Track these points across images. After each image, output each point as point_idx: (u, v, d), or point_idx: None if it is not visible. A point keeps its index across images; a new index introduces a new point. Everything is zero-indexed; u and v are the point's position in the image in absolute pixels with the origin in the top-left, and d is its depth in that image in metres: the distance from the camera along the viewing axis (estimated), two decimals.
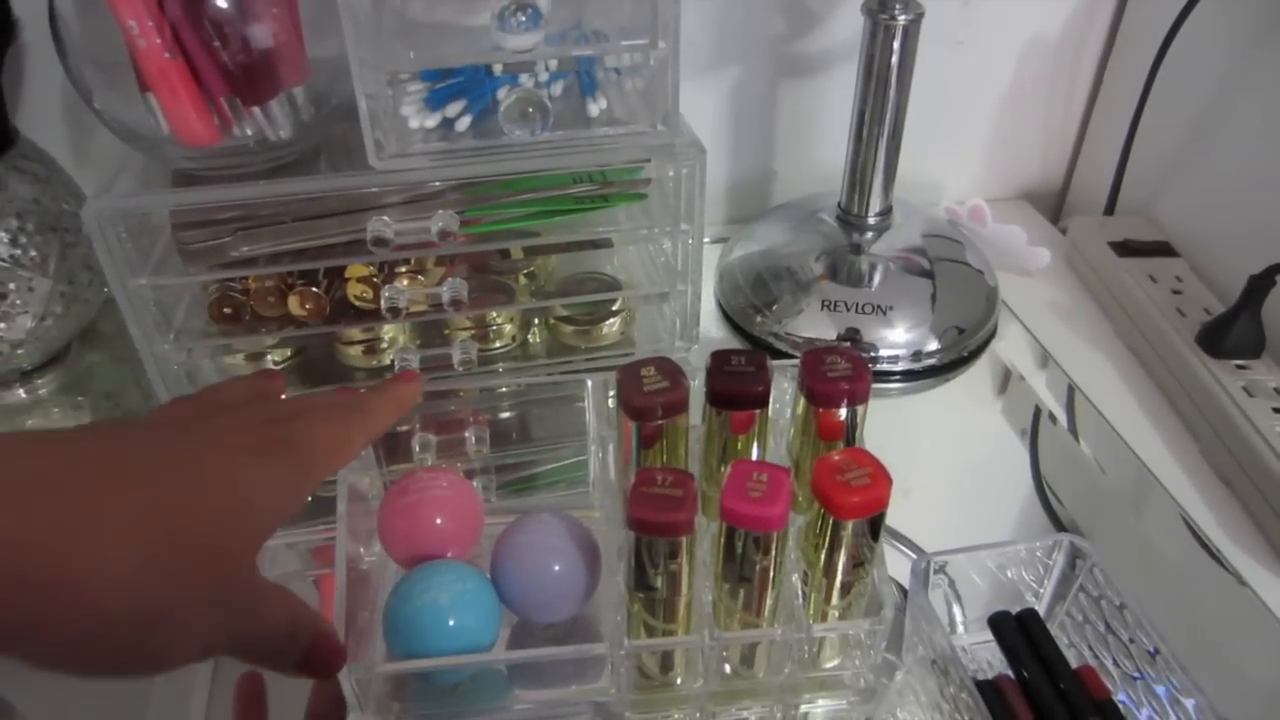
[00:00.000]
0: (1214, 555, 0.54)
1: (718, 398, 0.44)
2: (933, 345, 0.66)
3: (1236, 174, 0.68)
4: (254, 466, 0.32)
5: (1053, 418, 0.64)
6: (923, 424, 0.66)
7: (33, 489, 0.26)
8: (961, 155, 0.86)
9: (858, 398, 0.43)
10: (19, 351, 0.62)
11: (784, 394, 0.49)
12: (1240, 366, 0.60)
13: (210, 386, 0.39)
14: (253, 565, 0.32)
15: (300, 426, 0.35)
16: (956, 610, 0.48)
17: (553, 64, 0.56)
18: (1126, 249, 0.72)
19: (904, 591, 0.46)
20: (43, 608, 0.25)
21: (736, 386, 0.43)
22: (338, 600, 0.41)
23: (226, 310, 0.59)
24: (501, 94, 0.54)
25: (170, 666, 0.29)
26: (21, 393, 0.66)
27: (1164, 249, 0.72)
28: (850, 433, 0.45)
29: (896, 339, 0.66)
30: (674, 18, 0.51)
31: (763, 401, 0.44)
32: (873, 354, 0.66)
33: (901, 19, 0.61)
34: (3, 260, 0.58)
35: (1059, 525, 0.58)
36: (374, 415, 0.40)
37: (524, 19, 0.48)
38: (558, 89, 0.57)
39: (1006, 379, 0.69)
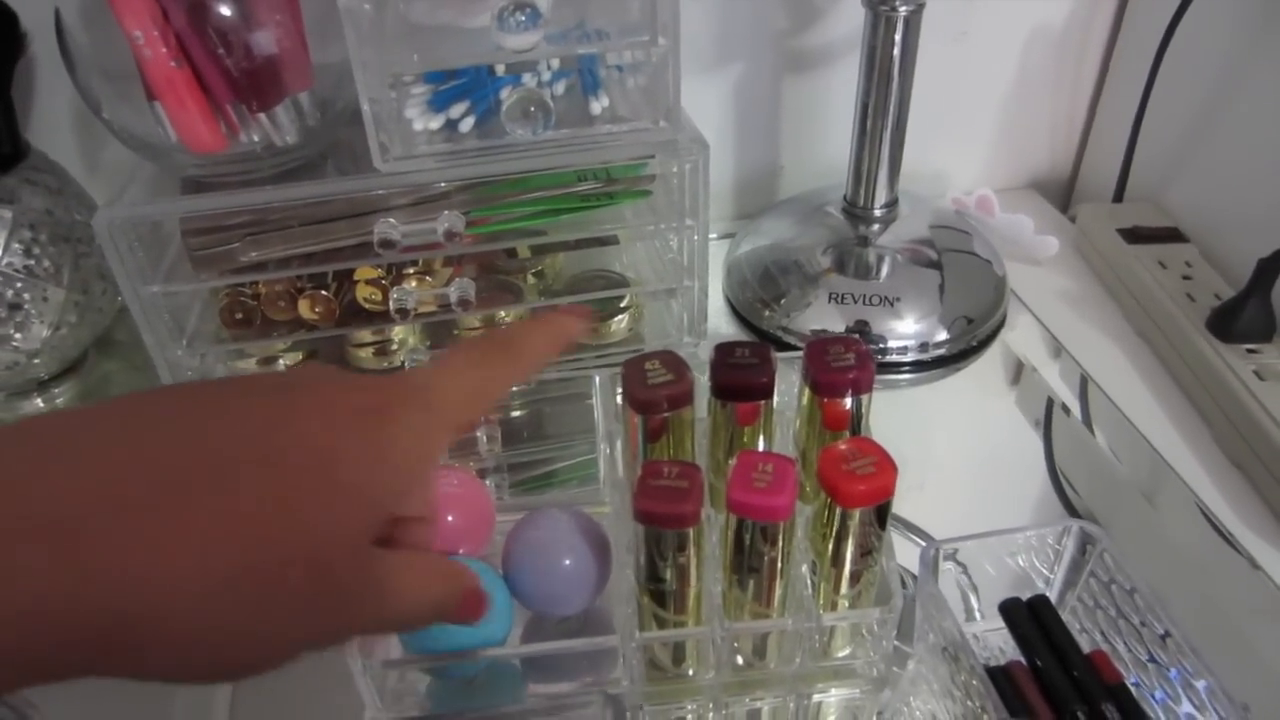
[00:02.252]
0: (1227, 540, 0.53)
1: (723, 390, 0.44)
2: (942, 336, 0.66)
3: (1244, 158, 0.68)
4: (369, 432, 0.27)
5: (1065, 409, 0.63)
6: (936, 414, 0.66)
7: (89, 509, 0.23)
8: (969, 146, 0.86)
9: (862, 387, 0.43)
10: (35, 361, 0.63)
11: (790, 385, 0.49)
12: (1251, 350, 0.59)
13: None
14: (368, 551, 0.28)
15: (426, 373, 0.30)
16: (973, 597, 0.48)
17: (555, 63, 0.57)
18: (1135, 235, 0.72)
19: (915, 579, 0.46)
20: (110, 643, 0.23)
21: (741, 378, 0.44)
22: None
23: (238, 315, 0.60)
24: (504, 94, 0.54)
25: (281, 665, 0.26)
26: (39, 402, 0.67)
27: (1173, 235, 0.71)
28: (856, 422, 0.45)
29: (905, 330, 0.66)
30: (674, 15, 0.51)
31: (767, 393, 0.44)
32: (882, 345, 0.66)
33: (902, 10, 0.61)
34: (17, 271, 0.59)
35: (1074, 514, 0.57)
36: (523, 354, 0.34)
37: (523, 19, 0.49)
38: (560, 88, 0.57)
39: (1019, 368, 0.68)
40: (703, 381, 0.46)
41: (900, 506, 0.56)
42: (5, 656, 0.21)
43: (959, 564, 0.47)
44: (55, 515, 0.22)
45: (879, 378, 0.65)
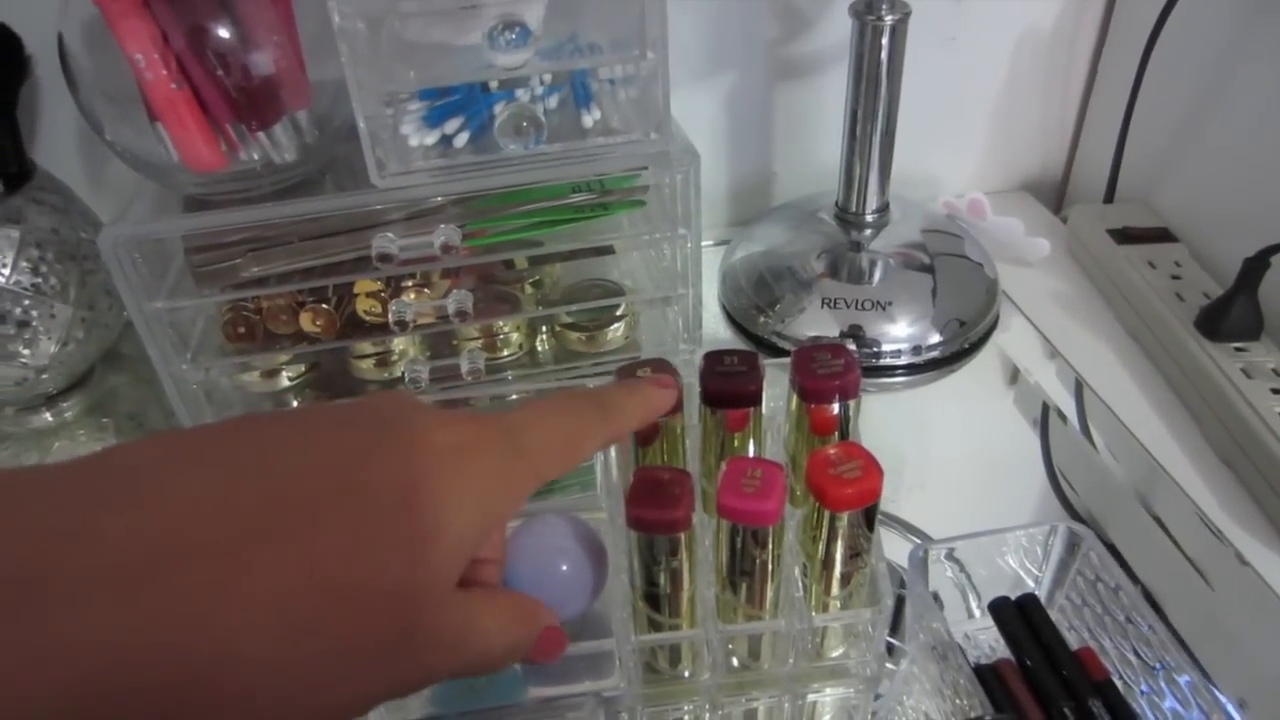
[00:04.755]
0: (1217, 537, 0.54)
1: (712, 397, 0.45)
2: (934, 339, 0.67)
3: (1231, 158, 0.68)
4: (457, 471, 0.26)
5: (1062, 415, 0.64)
6: (934, 416, 0.67)
7: (159, 555, 0.22)
8: (961, 149, 0.87)
9: (849, 393, 0.44)
10: (43, 376, 0.64)
11: (781, 391, 0.50)
12: (1239, 349, 0.60)
13: None
14: (449, 596, 0.26)
15: (522, 417, 0.29)
16: (970, 595, 0.49)
17: (547, 77, 0.58)
18: (1125, 236, 0.73)
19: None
20: (183, 696, 0.22)
21: (730, 386, 0.44)
22: None
23: (241, 329, 0.61)
24: (498, 109, 0.55)
25: (359, 714, 0.25)
26: (48, 416, 0.68)
27: (1163, 235, 0.72)
28: (844, 427, 0.46)
29: (898, 334, 0.67)
30: (662, 29, 0.52)
31: (755, 400, 0.45)
32: (875, 349, 0.67)
33: (889, 19, 0.62)
34: (25, 289, 0.60)
35: (1073, 513, 0.58)
36: (616, 415, 0.34)
37: (513, 37, 0.50)
38: (553, 101, 0.58)
39: (1016, 368, 0.69)
40: (694, 388, 0.47)
41: (899, 507, 0.57)
42: (77, 711, 0.21)
43: (956, 562, 0.48)
44: (125, 561, 0.21)
45: (873, 381, 0.67)
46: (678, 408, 0.44)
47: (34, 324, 0.61)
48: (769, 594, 0.43)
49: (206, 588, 0.22)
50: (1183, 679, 0.40)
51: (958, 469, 0.63)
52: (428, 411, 0.27)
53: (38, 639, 0.20)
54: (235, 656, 0.22)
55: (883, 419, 0.65)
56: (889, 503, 0.57)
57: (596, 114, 0.57)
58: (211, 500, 0.23)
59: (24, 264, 0.60)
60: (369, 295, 0.61)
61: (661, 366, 0.45)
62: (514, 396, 0.65)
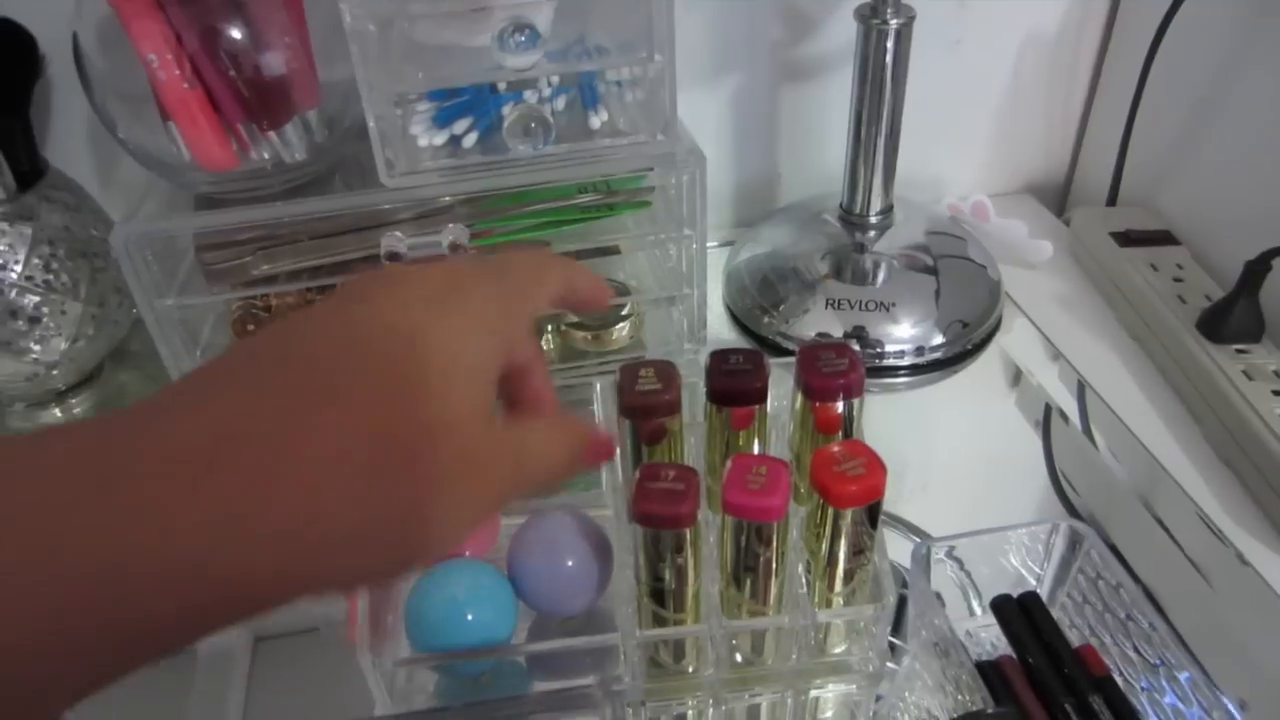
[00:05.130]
0: (1218, 537, 0.55)
1: (718, 395, 0.45)
2: (937, 340, 0.68)
3: (1234, 161, 0.69)
4: (455, 308, 0.28)
5: (1064, 416, 0.65)
6: (937, 417, 0.67)
7: (221, 443, 0.24)
8: (965, 152, 0.87)
9: (853, 391, 0.45)
10: (54, 373, 0.64)
11: (786, 390, 0.50)
12: (1240, 351, 0.61)
13: None
14: (490, 421, 0.28)
15: (496, 253, 0.33)
16: (972, 593, 0.50)
17: (555, 79, 0.59)
18: (1128, 239, 0.73)
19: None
20: (264, 561, 0.24)
21: (735, 384, 0.45)
22: (361, 601, 0.43)
23: (250, 327, 0.61)
24: (507, 110, 0.56)
25: (456, 540, 0.28)
26: (57, 412, 0.69)
27: (1165, 238, 0.73)
28: (848, 425, 0.46)
29: (902, 335, 0.67)
30: (669, 32, 0.53)
31: (761, 398, 0.45)
32: (878, 350, 0.67)
33: (893, 23, 0.63)
34: (36, 286, 0.61)
35: (1074, 513, 0.59)
36: (571, 264, 0.36)
37: (522, 39, 0.50)
38: (561, 103, 0.59)
39: (1018, 370, 0.70)
40: (702, 389, 0.47)
41: (903, 507, 0.57)
42: (187, 584, 0.22)
43: (958, 560, 0.49)
44: (199, 448, 0.23)
45: (877, 381, 0.67)
46: (671, 409, 0.45)
47: (45, 320, 0.62)
48: (773, 590, 0.43)
49: (272, 454, 0.24)
50: (1183, 676, 0.40)
51: (960, 470, 0.63)
52: (401, 271, 0.30)
53: (132, 512, 0.22)
54: (314, 506, 0.24)
55: (886, 420, 0.65)
56: (892, 503, 0.57)
57: (604, 115, 0.58)
58: (254, 393, 0.25)
59: (36, 261, 0.61)
60: None
61: (663, 368, 0.46)
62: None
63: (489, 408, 0.29)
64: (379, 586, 0.27)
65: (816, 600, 0.45)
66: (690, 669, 0.46)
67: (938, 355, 0.68)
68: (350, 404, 0.25)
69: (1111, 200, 0.78)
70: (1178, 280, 0.68)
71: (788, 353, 0.68)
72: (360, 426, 0.25)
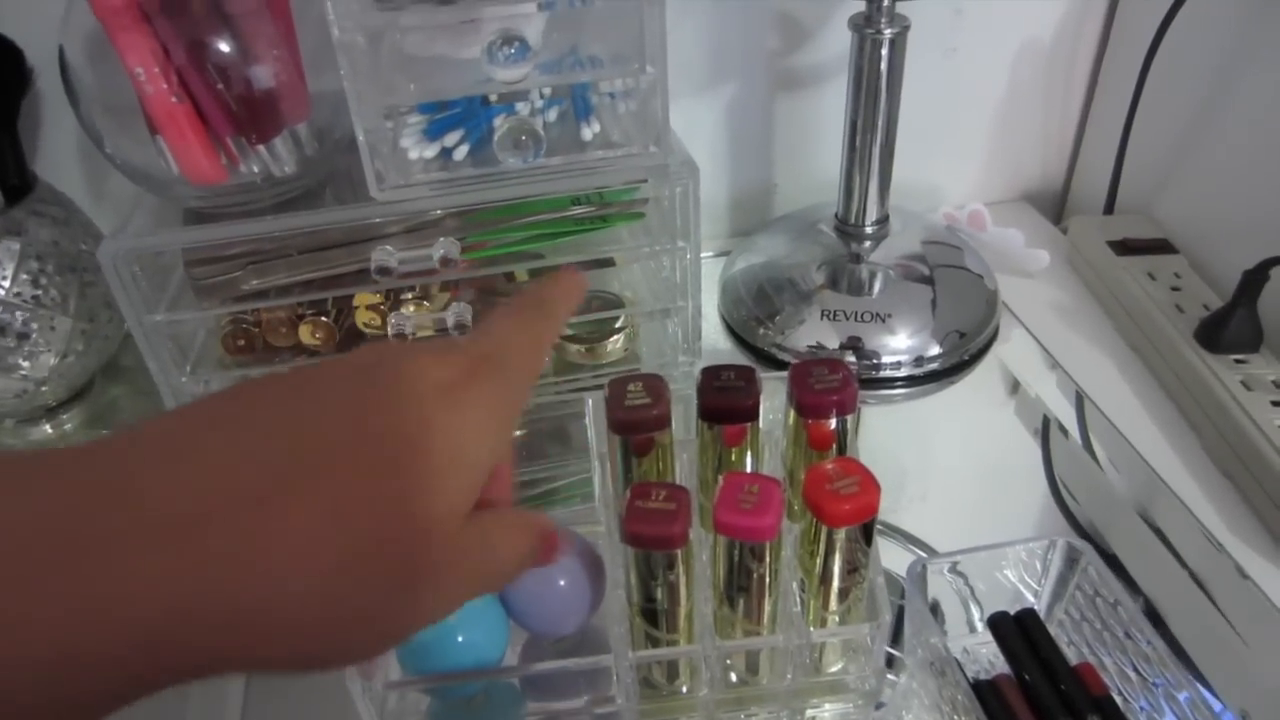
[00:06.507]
0: (1218, 549, 0.54)
1: (709, 413, 0.45)
2: (934, 350, 0.67)
3: (1231, 169, 0.68)
4: (459, 404, 0.28)
5: (1063, 429, 0.64)
6: (935, 427, 0.66)
7: (207, 508, 0.23)
8: (961, 160, 0.87)
9: (846, 408, 0.44)
10: (44, 389, 0.64)
11: (779, 405, 0.50)
12: (1238, 361, 0.60)
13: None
14: (465, 525, 0.28)
15: (492, 341, 0.31)
16: (972, 610, 0.49)
17: (547, 91, 0.58)
18: (1125, 247, 0.73)
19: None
20: (232, 639, 0.23)
21: (727, 401, 0.45)
22: None
23: (240, 342, 0.61)
24: (498, 122, 0.55)
25: (401, 640, 0.28)
26: (48, 428, 0.68)
27: (1163, 246, 0.72)
28: (841, 441, 0.46)
29: (898, 345, 0.67)
30: (661, 44, 0.52)
31: (753, 415, 0.45)
32: (875, 361, 0.67)
33: (887, 33, 0.62)
34: (25, 301, 0.60)
35: (1075, 525, 0.58)
36: (554, 315, 0.35)
37: (512, 51, 0.50)
38: (553, 114, 0.59)
39: (1017, 379, 0.69)
40: (692, 402, 0.47)
41: (900, 519, 0.57)
42: (137, 660, 0.22)
43: (957, 576, 0.48)
44: (175, 515, 0.23)
45: (873, 393, 0.67)
46: (660, 424, 0.44)
47: (34, 336, 0.61)
48: (767, 609, 0.43)
49: (245, 536, 0.23)
50: (1181, 695, 0.40)
51: (958, 480, 0.63)
52: (415, 355, 0.29)
53: (89, 592, 0.22)
54: (278, 596, 0.24)
55: (883, 431, 0.65)
56: (889, 514, 0.57)
57: (596, 127, 0.58)
58: (242, 457, 0.25)
59: (24, 276, 0.60)
60: (368, 308, 0.61)
61: (652, 383, 0.45)
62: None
63: (469, 509, 0.28)
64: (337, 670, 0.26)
65: (811, 619, 0.45)
66: (684, 689, 0.45)
67: (935, 366, 0.67)
68: (339, 494, 0.25)
69: (1109, 209, 0.78)
70: (1175, 289, 0.67)
71: (783, 364, 0.68)
72: (344, 520, 0.25)
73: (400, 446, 0.26)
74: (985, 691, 0.43)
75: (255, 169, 0.55)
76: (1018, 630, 0.45)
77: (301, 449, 0.25)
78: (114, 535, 0.22)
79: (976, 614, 0.49)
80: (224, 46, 0.52)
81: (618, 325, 0.66)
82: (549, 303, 0.35)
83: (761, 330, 0.70)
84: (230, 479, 0.24)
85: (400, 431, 0.26)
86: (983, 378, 0.69)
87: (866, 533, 0.41)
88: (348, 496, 0.25)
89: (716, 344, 0.72)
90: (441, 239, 0.56)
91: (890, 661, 0.48)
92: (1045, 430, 0.65)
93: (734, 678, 0.46)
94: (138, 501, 0.23)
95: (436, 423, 0.27)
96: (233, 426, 0.26)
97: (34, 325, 0.61)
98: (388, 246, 0.56)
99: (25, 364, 0.62)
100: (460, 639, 0.43)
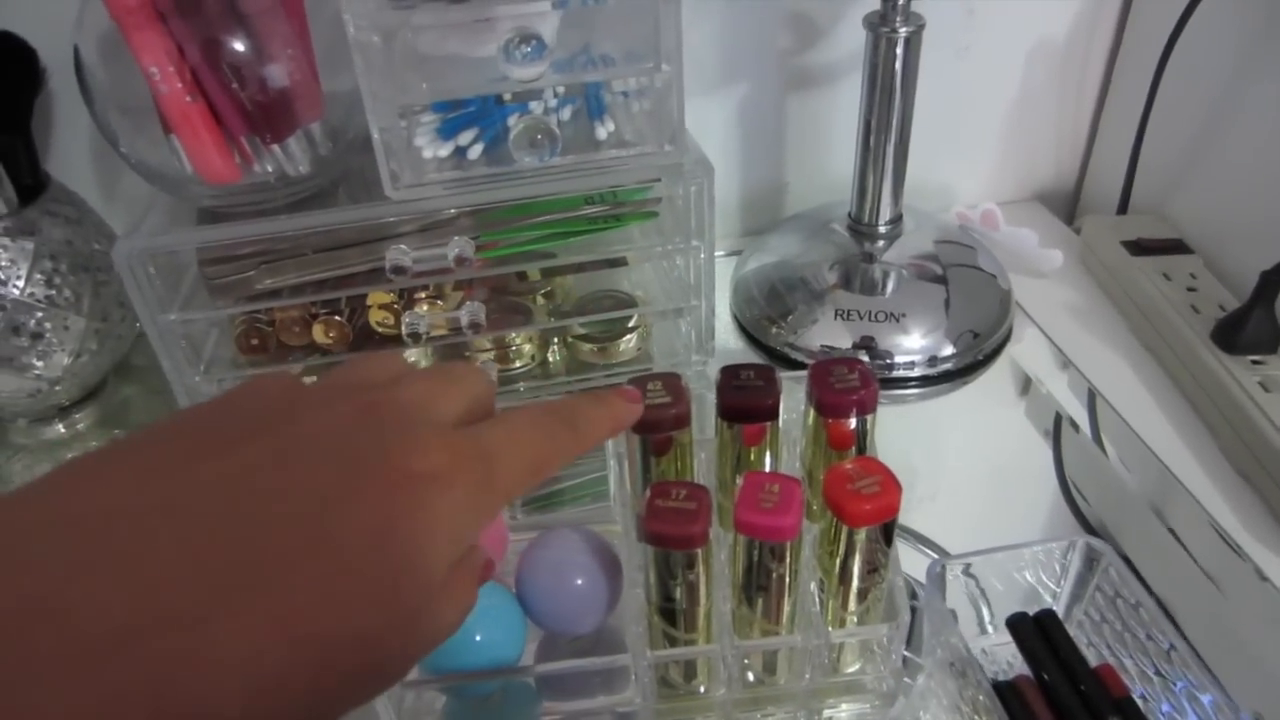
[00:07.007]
0: (1235, 551, 0.54)
1: (729, 412, 0.45)
2: (948, 350, 0.67)
3: (1247, 169, 0.68)
4: (428, 503, 0.25)
5: (1075, 425, 0.64)
6: (947, 427, 0.66)
7: (135, 624, 0.21)
8: (974, 160, 0.87)
9: (866, 407, 0.44)
10: (57, 388, 0.64)
11: (797, 404, 0.49)
12: (1256, 362, 0.60)
13: (355, 364, 0.30)
14: (419, 628, 0.26)
15: (500, 438, 0.29)
16: (985, 611, 0.49)
17: (561, 90, 0.58)
18: (1139, 248, 0.72)
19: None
20: None
21: (746, 400, 0.44)
22: None
23: (253, 341, 0.61)
24: (512, 121, 0.55)
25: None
26: (60, 427, 0.68)
27: (1177, 246, 0.72)
28: (861, 441, 0.45)
29: (911, 345, 0.67)
30: (676, 42, 0.52)
31: (773, 414, 0.45)
32: (888, 361, 0.66)
33: (902, 31, 0.62)
34: (39, 301, 0.60)
35: (1086, 526, 0.58)
36: (584, 430, 0.33)
37: (528, 50, 0.50)
38: (567, 113, 0.58)
39: (1028, 380, 0.69)
40: (711, 402, 0.46)
41: (912, 519, 0.57)
42: None
43: (973, 577, 0.48)
44: (92, 637, 0.21)
45: (886, 393, 0.66)
46: (680, 423, 0.44)
47: (47, 336, 0.61)
48: (785, 609, 0.42)
49: (174, 657, 0.21)
50: (1205, 698, 0.39)
51: (970, 480, 0.62)
52: (404, 434, 0.27)
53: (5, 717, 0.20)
54: (206, 717, 0.22)
55: (895, 430, 0.64)
56: (902, 514, 0.56)
57: (610, 126, 0.57)
58: (179, 563, 0.22)
59: (38, 276, 0.60)
60: (382, 307, 0.60)
61: (671, 382, 0.45)
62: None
63: (426, 608, 0.26)
64: None
65: (830, 619, 0.45)
66: (702, 689, 0.45)
67: (948, 366, 0.67)
68: (290, 601, 0.23)
69: (1122, 208, 0.78)
70: (1191, 290, 0.67)
71: (796, 364, 0.68)
72: (289, 631, 0.23)
73: (361, 547, 0.24)
74: (1005, 692, 0.43)
75: (269, 168, 0.55)
76: (1037, 631, 0.45)
77: (248, 552, 0.23)
78: (33, 657, 0.20)
79: (989, 615, 0.49)
80: (238, 46, 0.52)
81: (630, 325, 0.66)
82: (583, 420, 0.33)
83: (774, 330, 0.69)
84: (163, 592, 0.22)
85: (364, 529, 0.24)
86: (996, 378, 0.69)
87: (887, 533, 0.41)
88: (294, 608, 0.23)
89: (728, 344, 0.72)
90: (456, 238, 0.56)
91: (904, 663, 0.48)
92: (1057, 430, 0.64)
93: (751, 677, 0.46)
94: (62, 620, 0.21)
95: (403, 522, 0.25)
96: (174, 519, 0.23)
97: (48, 325, 0.61)
98: (402, 245, 0.56)
99: (39, 363, 0.62)
100: (478, 638, 0.42)
